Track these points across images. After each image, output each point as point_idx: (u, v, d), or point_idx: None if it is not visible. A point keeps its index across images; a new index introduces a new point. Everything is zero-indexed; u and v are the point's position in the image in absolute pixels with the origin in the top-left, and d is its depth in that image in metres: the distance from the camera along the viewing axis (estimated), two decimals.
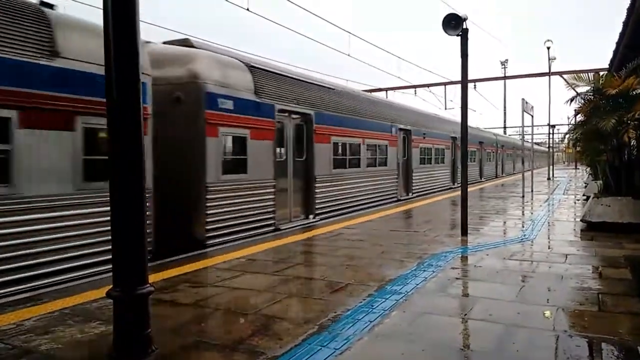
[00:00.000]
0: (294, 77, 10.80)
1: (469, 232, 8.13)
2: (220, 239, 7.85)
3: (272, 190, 9.14)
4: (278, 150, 9.51)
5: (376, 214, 11.31)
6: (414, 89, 34.92)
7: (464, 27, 8.06)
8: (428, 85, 35.14)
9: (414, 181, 16.85)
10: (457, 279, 5.37)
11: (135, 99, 3.12)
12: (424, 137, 17.74)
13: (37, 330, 3.81)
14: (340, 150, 12.09)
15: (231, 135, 8.30)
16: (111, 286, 3.16)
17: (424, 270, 5.64)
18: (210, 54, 8.50)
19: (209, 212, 7.76)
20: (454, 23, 8.03)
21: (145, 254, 3.25)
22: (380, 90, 33.71)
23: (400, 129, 15.67)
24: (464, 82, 8.47)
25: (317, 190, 10.79)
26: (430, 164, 18.72)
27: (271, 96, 9.29)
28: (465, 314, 4.16)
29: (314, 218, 10.61)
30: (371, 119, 13.70)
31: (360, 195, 12.86)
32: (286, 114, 9.84)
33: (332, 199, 11.45)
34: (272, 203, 9.13)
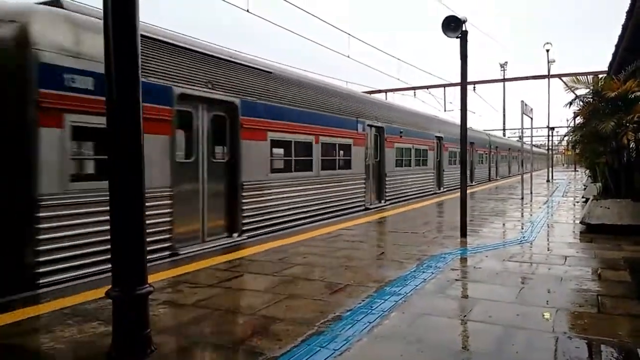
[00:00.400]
0: (206, 52, 8.16)
1: (468, 234, 8.14)
2: (66, 275, 5.52)
3: (168, 202, 6.86)
4: (181, 148, 7.43)
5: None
6: (413, 91, 35.02)
7: (464, 29, 8.08)
8: (427, 87, 35.30)
9: (387, 187, 14.70)
10: (456, 280, 5.37)
11: (135, 99, 3.12)
12: (401, 136, 15.66)
13: (37, 330, 3.80)
14: (281, 150, 9.93)
15: (89, 126, 5.83)
16: (111, 286, 3.16)
17: (423, 272, 5.64)
18: (57, 9, 5.95)
19: (43, 236, 5.36)
20: (453, 25, 8.05)
21: (145, 254, 3.26)
22: (379, 91, 33.78)
23: (370, 126, 13.67)
24: (464, 84, 8.49)
25: (245, 201, 8.50)
26: (410, 166, 16.66)
27: (167, 76, 7.04)
28: (465, 316, 4.16)
29: (239, 236, 8.27)
30: (329, 113, 11.46)
31: (311, 205, 10.61)
32: (195, 102, 7.57)
33: (268, 210, 9.16)
34: (167, 219, 6.84)
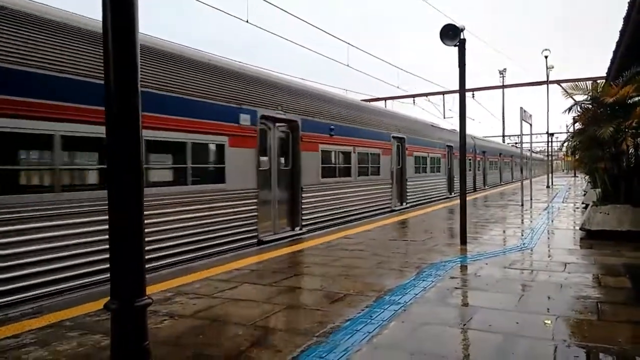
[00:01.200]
0: None
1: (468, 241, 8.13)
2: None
3: None
4: None
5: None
6: (412, 99, 35.15)
7: (462, 37, 8.12)
8: (427, 95, 35.43)
9: (305, 207, 10.70)
10: (456, 288, 5.36)
11: (134, 108, 3.13)
12: (332, 135, 11.93)
13: (36, 344, 3.79)
14: (18, 152, 5.73)
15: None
16: (109, 298, 3.16)
17: (423, 280, 5.62)
18: None
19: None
20: (451, 33, 8.10)
21: (144, 265, 3.25)
22: (378, 99, 33.87)
23: (273, 119, 9.75)
24: (462, 91, 8.52)
25: None
26: (349, 176, 12.81)
27: None
28: (465, 324, 4.15)
29: None
30: (163, 91, 7.25)
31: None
32: None
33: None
34: None
